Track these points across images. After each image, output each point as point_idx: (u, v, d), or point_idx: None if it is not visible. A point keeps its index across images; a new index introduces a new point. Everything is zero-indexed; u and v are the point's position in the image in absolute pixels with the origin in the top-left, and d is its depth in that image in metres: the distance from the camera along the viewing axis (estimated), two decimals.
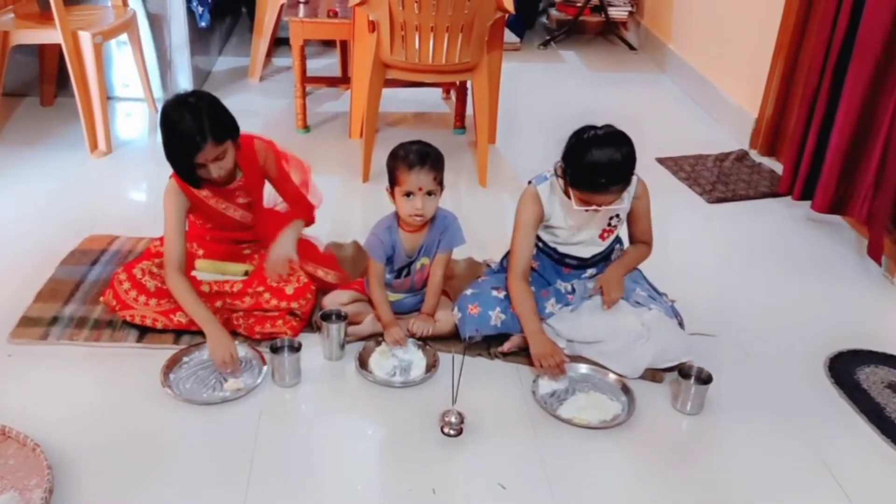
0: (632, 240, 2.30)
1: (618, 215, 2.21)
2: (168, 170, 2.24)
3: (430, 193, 2.15)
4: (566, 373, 2.10)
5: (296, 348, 2.12)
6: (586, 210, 2.07)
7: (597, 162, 1.99)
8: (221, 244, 2.42)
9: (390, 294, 2.32)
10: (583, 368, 2.16)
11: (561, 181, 2.12)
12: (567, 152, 2.07)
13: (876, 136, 2.89)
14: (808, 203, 3.13)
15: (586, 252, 2.26)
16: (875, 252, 2.77)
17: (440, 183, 2.18)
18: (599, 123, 2.06)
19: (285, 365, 2.08)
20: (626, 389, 2.09)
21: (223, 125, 2.13)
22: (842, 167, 3.02)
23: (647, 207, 2.23)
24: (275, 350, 2.11)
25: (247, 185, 2.32)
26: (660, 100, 4.53)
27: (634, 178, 2.17)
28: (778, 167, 3.53)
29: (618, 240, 2.30)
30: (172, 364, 2.12)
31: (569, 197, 2.11)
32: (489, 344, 2.22)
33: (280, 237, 2.31)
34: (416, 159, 2.13)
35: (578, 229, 2.21)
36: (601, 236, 2.23)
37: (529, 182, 2.23)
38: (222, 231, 2.39)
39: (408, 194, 2.14)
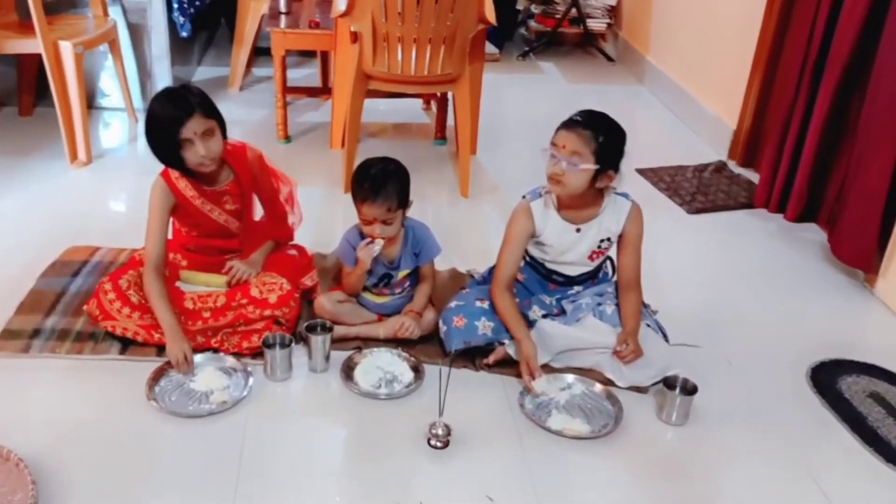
0: (620, 276, 2.26)
1: (608, 238, 2.22)
2: (151, 177, 2.24)
3: (387, 222, 2.19)
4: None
5: (287, 344, 2.14)
6: (550, 157, 2.06)
7: (578, 112, 2.11)
8: (204, 255, 2.41)
9: (374, 297, 2.36)
10: (569, 378, 2.17)
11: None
12: None
13: (844, 147, 2.96)
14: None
15: (574, 271, 2.27)
16: (841, 253, 2.80)
17: (399, 207, 2.20)
18: None
19: (276, 359, 2.12)
20: (612, 399, 2.10)
21: (211, 105, 2.17)
22: (811, 177, 3.08)
23: (639, 236, 2.22)
24: (267, 345, 2.12)
25: (236, 191, 2.32)
26: (638, 111, 4.57)
27: (628, 203, 2.19)
28: (755, 178, 3.57)
29: (606, 260, 2.32)
30: (157, 376, 2.10)
31: (560, 208, 2.15)
32: (474, 355, 2.23)
33: (251, 256, 2.38)
34: (370, 192, 2.16)
35: (569, 248, 2.22)
36: (590, 257, 2.25)
37: (524, 197, 2.24)
38: (206, 238, 2.38)
39: (365, 222, 2.21)
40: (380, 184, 2.16)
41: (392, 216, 2.19)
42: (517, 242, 2.21)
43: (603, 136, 2.06)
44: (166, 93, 2.18)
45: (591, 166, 2.06)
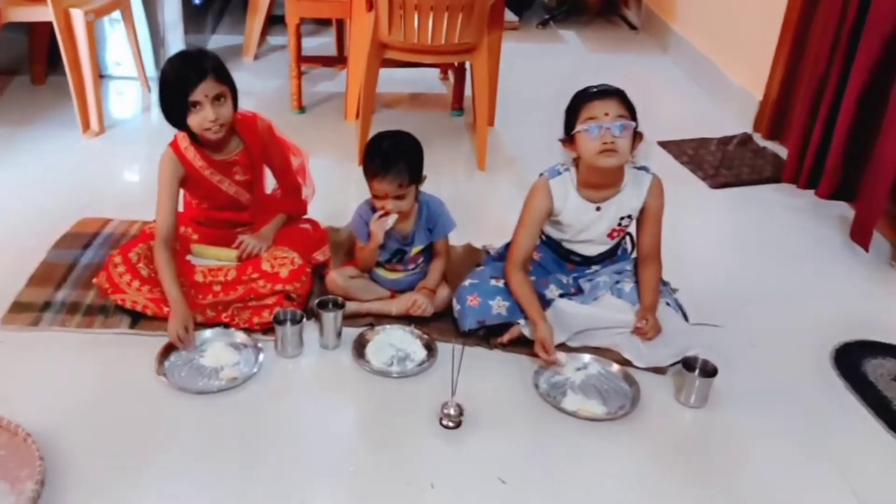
0: (639, 249, 2.21)
1: (629, 216, 2.16)
2: (163, 147, 2.22)
3: (399, 198, 2.15)
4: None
5: (298, 320, 2.11)
6: (596, 129, 1.99)
7: (587, 87, 2.06)
8: (215, 228, 2.38)
9: (388, 273, 2.32)
10: (586, 357, 2.12)
11: (572, 164, 2.09)
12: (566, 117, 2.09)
13: (881, 119, 2.84)
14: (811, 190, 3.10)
15: (592, 250, 2.21)
16: (859, 236, 2.71)
17: (411, 182, 2.15)
18: None
19: (287, 336, 2.09)
20: (629, 380, 2.06)
21: (225, 70, 2.14)
22: (845, 152, 2.97)
23: (660, 209, 2.17)
24: (277, 321, 2.09)
25: (245, 161, 2.28)
26: (661, 81, 4.46)
27: (649, 176, 2.12)
28: (782, 151, 3.47)
29: (625, 236, 2.26)
30: (167, 351, 2.08)
31: (580, 186, 2.09)
32: (489, 335, 2.18)
33: (262, 229, 2.34)
34: (380, 167, 2.11)
35: (587, 227, 2.16)
36: (610, 235, 2.19)
37: (541, 174, 2.17)
38: (217, 211, 2.35)
39: (376, 197, 2.16)
40: (391, 159, 2.11)
41: (404, 192, 2.14)
42: (534, 221, 2.15)
43: (626, 98, 2.05)
44: (181, 54, 2.16)
45: (634, 123, 2.03)
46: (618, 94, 2.04)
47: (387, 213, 2.17)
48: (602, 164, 2.02)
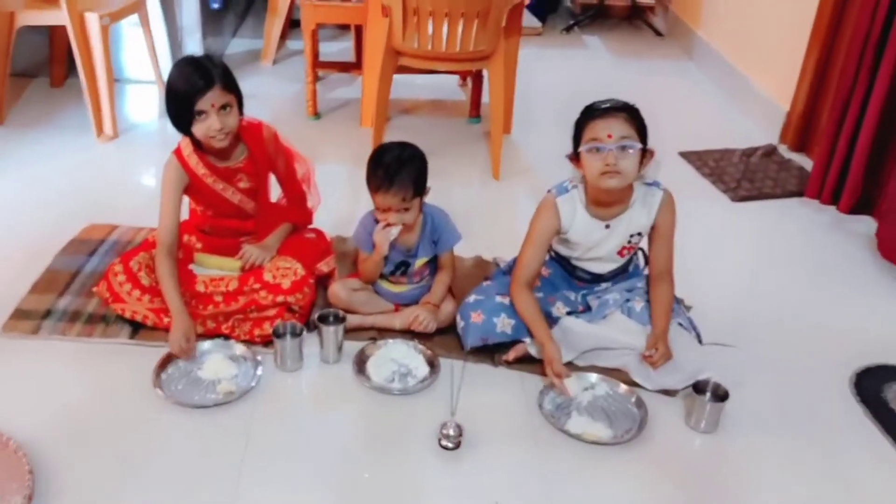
0: (651, 267, 2.13)
1: (639, 233, 2.09)
2: None
3: (404, 210, 2.11)
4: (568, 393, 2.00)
5: (297, 333, 2.07)
6: (598, 150, 1.92)
7: (594, 103, 2.00)
8: (219, 236, 2.34)
9: (392, 286, 2.28)
10: (593, 377, 2.06)
11: (580, 183, 2.02)
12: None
13: None
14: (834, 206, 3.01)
15: (602, 268, 2.15)
16: (888, 252, 2.61)
17: (415, 195, 2.11)
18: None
19: (287, 349, 2.05)
20: (637, 402, 1.98)
21: (232, 78, 2.11)
22: (867, 165, 2.88)
23: (672, 226, 2.09)
24: (277, 335, 2.06)
25: (250, 169, 2.24)
26: (686, 89, 4.37)
27: (660, 192, 2.06)
28: (808, 163, 3.37)
29: (637, 252, 2.20)
30: (165, 363, 2.05)
31: (588, 204, 2.03)
32: (493, 351, 2.12)
33: (266, 239, 2.31)
34: (383, 180, 2.07)
35: (596, 244, 2.10)
36: (620, 253, 2.12)
37: (549, 191, 2.11)
38: (221, 219, 2.32)
39: (381, 209, 2.12)
40: (394, 172, 2.06)
41: (408, 205, 2.09)
42: (541, 240, 2.09)
43: (635, 115, 1.97)
44: (188, 60, 2.11)
45: (640, 145, 1.95)
46: (625, 112, 1.96)
47: (390, 224, 2.12)
48: (603, 185, 1.96)
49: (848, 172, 2.96)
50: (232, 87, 2.10)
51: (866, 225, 2.95)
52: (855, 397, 2.08)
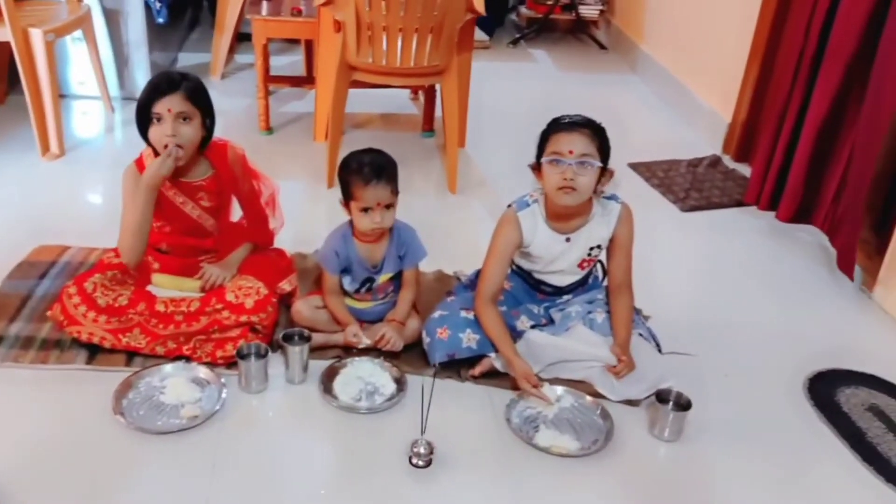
0: (610, 279, 2.17)
1: (599, 245, 2.13)
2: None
3: (388, 206, 2.10)
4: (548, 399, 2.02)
5: (262, 354, 2.05)
6: (558, 163, 1.95)
7: (561, 116, 2.02)
8: (178, 255, 2.31)
9: (356, 303, 2.26)
10: (559, 389, 2.08)
11: (540, 196, 2.05)
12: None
13: (842, 145, 2.86)
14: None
15: (563, 280, 2.18)
16: (845, 265, 2.72)
17: (396, 192, 2.12)
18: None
19: (251, 371, 2.03)
20: (603, 413, 2.02)
21: (202, 94, 2.11)
22: (806, 175, 2.98)
23: (630, 238, 2.13)
24: (241, 356, 2.03)
25: (213, 187, 2.22)
26: (631, 101, 4.46)
27: (618, 206, 2.10)
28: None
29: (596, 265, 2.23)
30: (125, 389, 2.00)
31: (548, 218, 2.05)
32: (459, 366, 2.13)
33: (227, 259, 2.30)
34: (372, 173, 2.07)
35: (557, 257, 2.13)
36: (580, 265, 2.15)
37: (510, 205, 2.13)
38: (179, 236, 2.28)
39: (365, 209, 2.08)
40: (380, 166, 2.08)
41: (394, 199, 2.10)
42: (503, 254, 2.11)
43: (599, 133, 2.00)
44: (165, 72, 2.14)
45: (600, 164, 1.98)
46: (588, 128, 1.99)
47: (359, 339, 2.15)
48: (559, 202, 2.00)
49: (786, 181, 3.05)
50: (197, 101, 2.10)
51: (807, 232, 3.05)
52: (809, 402, 2.15)
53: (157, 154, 2.12)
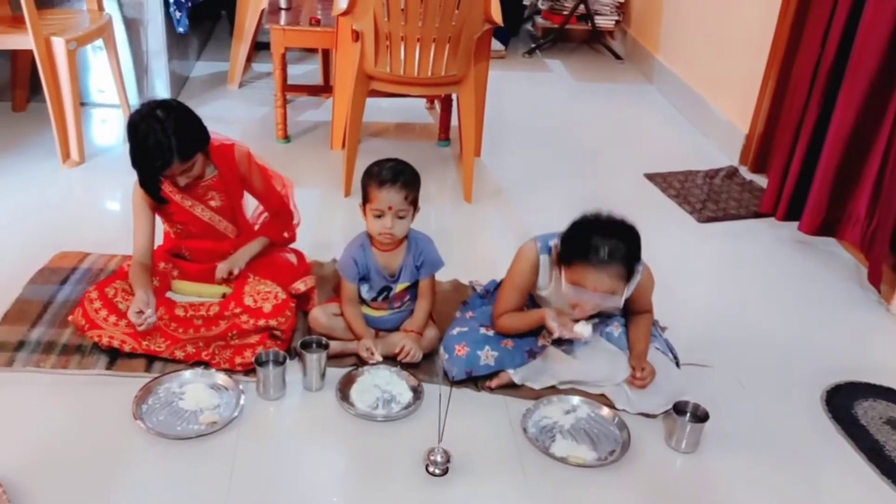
0: (631, 310, 2.15)
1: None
2: None
3: (401, 216, 2.11)
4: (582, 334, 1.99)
5: (280, 361, 2.07)
6: (575, 290, 1.91)
7: (594, 235, 1.88)
8: (197, 261, 2.33)
9: (373, 311, 2.27)
10: (574, 400, 2.08)
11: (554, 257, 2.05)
12: (567, 232, 1.97)
13: (871, 158, 2.84)
14: (796, 223, 3.08)
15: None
16: (875, 279, 2.71)
17: (413, 203, 2.13)
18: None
19: (269, 378, 2.04)
20: (619, 424, 2.01)
21: (192, 140, 2.11)
22: (832, 188, 2.97)
23: (651, 286, 2.10)
24: (259, 363, 2.05)
25: (220, 187, 2.25)
26: (647, 112, 4.46)
27: (639, 272, 2.01)
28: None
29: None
30: (145, 395, 2.02)
31: (560, 272, 2.00)
32: (476, 378, 2.13)
33: (241, 249, 2.30)
34: (389, 176, 2.09)
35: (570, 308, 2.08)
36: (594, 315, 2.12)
37: (535, 239, 2.09)
38: (194, 240, 2.31)
39: (378, 214, 2.10)
40: (399, 170, 2.10)
41: (408, 208, 2.11)
42: (520, 288, 2.11)
43: (630, 264, 1.91)
44: (141, 132, 2.06)
45: (627, 293, 1.95)
46: (619, 264, 1.87)
47: (371, 354, 2.15)
48: (575, 315, 2.00)
49: (806, 193, 3.03)
50: (191, 153, 2.10)
51: (824, 242, 3.04)
52: (827, 414, 2.14)
53: None
